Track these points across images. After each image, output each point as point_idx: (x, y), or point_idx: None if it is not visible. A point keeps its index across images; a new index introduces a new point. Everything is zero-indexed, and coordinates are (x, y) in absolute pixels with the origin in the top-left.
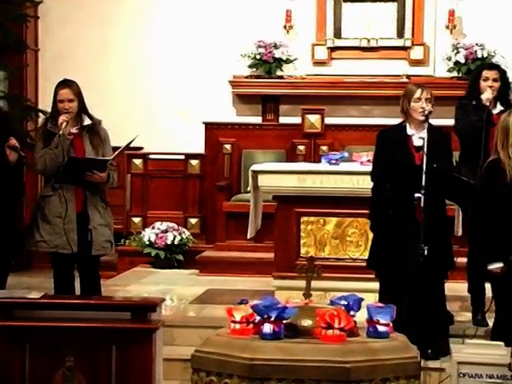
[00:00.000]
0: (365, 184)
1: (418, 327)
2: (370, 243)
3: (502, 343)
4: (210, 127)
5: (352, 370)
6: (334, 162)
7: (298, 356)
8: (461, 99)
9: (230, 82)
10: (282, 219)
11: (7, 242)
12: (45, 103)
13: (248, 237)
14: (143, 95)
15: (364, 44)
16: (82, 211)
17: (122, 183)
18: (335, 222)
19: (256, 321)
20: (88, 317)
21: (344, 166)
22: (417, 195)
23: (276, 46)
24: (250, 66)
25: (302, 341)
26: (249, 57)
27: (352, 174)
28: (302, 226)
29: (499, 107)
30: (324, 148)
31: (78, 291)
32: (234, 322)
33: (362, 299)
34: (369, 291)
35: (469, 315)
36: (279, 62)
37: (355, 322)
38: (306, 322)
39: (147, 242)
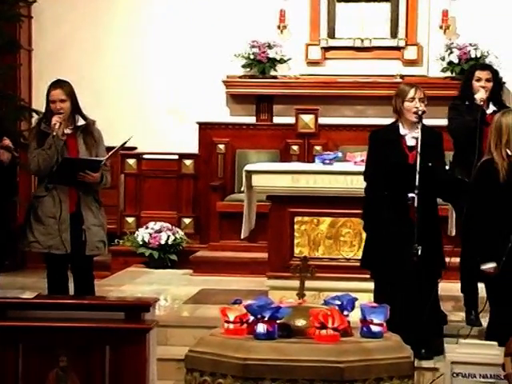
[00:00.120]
0: (358, 184)
1: (412, 327)
2: (363, 243)
3: (495, 343)
4: (204, 127)
5: (346, 369)
6: (327, 161)
7: (291, 356)
8: (454, 99)
9: (223, 81)
10: (275, 219)
11: (0, 242)
12: (38, 103)
13: (242, 237)
14: (137, 95)
15: (358, 44)
16: (75, 211)
17: (115, 183)
18: (329, 222)
19: (250, 321)
20: (82, 317)
21: (338, 166)
22: (410, 195)
23: (270, 46)
24: (244, 66)
25: (295, 341)
26: (243, 57)
27: (346, 173)
28: (296, 226)
29: (492, 107)
30: (318, 148)
31: (71, 291)
32: (228, 321)
33: (355, 299)
34: (363, 291)
35: (462, 315)
36: (273, 62)
37: (349, 322)
38: (300, 322)
39: (141, 242)
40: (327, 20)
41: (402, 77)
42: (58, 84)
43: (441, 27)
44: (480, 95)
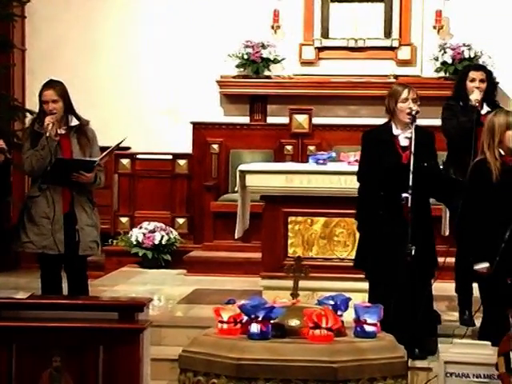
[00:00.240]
0: (352, 184)
1: (406, 327)
2: (357, 243)
3: (488, 343)
4: (198, 127)
5: (339, 369)
6: (321, 161)
7: (285, 356)
8: (448, 100)
9: (217, 81)
10: (269, 219)
11: None
12: (32, 103)
13: (236, 237)
14: (131, 95)
15: (351, 44)
16: (69, 211)
17: (109, 183)
18: (323, 222)
19: (243, 321)
20: (75, 317)
21: (331, 166)
22: (404, 195)
23: (264, 46)
24: (238, 66)
25: (289, 341)
26: (236, 57)
27: (340, 173)
28: (290, 226)
29: (486, 108)
30: (311, 148)
31: (65, 291)
32: (222, 321)
33: (349, 299)
34: (356, 291)
35: (456, 315)
36: (267, 62)
37: (342, 322)
38: (294, 322)
39: (135, 242)
40: (321, 20)
41: (395, 77)
42: (50, 84)
43: (434, 27)
44: (475, 96)
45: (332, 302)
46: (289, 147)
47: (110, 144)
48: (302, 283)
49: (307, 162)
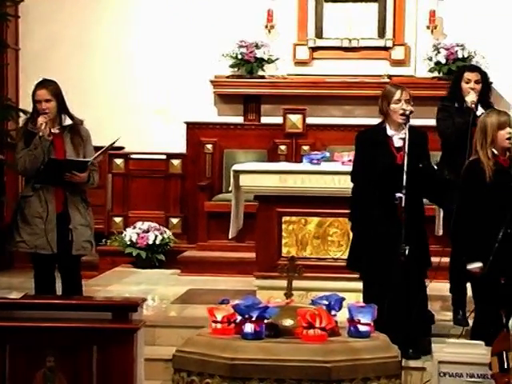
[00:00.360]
0: (346, 184)
1: (399, 327)
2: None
3: (482, 343)
4: (192, 127)
5: (333, 369)
6: (315, 161)
7: (279, 356)
8: (443, 100)
9: (211, 81)
10: (263, 219)
11: None
12: (25, 103)
13: (229, 237)
14: (125, 95)
15: (345, 44)
16: (62, 211)
17: (103, 183)
18: (316, 222)
19: (237, 321)
20: (69, 317)
21: (325, 166)
22: (398, 195)
23: (257, 46)
24: (232, 66)
25: (283, 340)
26: (230, 56)
27: (333, 173)
28: (284, 226)
29: (481, 109)
30: (305, 148)
31: (59, 291)
32: (216, 321)
33: (343, 299)
34: (350, 291)
35: (450, 314)
36: (261, 62)
37: (336, 322)
38: (288, 322)
39: (128, 242)
40: (315, 20)
41: (389, 77)
42: (43, 84)
43: (428, 27)
44: (471, 98)
45: (326, 302)
46: (283, 147)
47: (103, 144)
48: (296, 283)
49: (301, 161)
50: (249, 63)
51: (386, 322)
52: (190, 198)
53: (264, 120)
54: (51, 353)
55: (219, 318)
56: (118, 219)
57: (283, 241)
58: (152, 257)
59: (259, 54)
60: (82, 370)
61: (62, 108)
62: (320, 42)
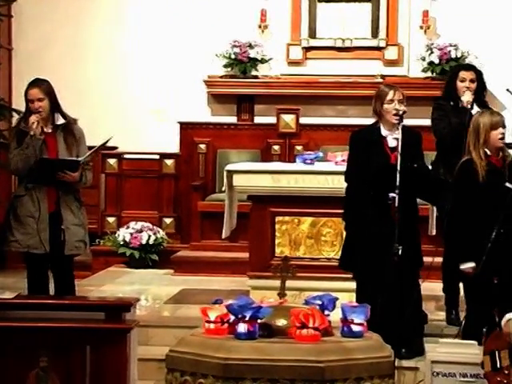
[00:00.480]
0: (339, 184)
1: (393, 326)
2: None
3: (475, 342)
4: (185, 127)
5: (326, 369)
6: (308, 161)
7: (272, 356)
8: (438, 99)
9: (204, 81)
10: (256, 219)
11: None
12: (18, 103)
13: (223, 236)
14: (118, 95)
15: (339, 44)
16: (55, 211)
17: (96, 183)
18: (310, 222)
19: (231, 320)
20: (62, 317)
21: (319, 166)
22: (391, 195)
23: (251, 46)
24: (225, 66)
25: (276, 340)
26: (224, 56)
27: (327, 173)
28: (277, 226)
29: (476, 108)
30: (299, 148)
31: (52, 291)
32: (209, 321)
33: (336, 299)
34: (343, 291)
35: (443, 314)
36: (254, 62)
37: (330, 322)
38: (281, 322)
39: (122, 242)
40: (308, 20)
41: (382, 77)
42: (35, 83)
43: (421, 27)
44: (467, 98)
45: (319, 302)
46: (276, 147)
47: (96, 143)
48: (289, 283)
49: (294, 161)
50: (242, 63)
51: (379, 321)
52: (184, 198)
53: (257, 120)
54: (44, 353)
55: (212, 317)
56: (111, 219)
57: (276, 241)
58: (145, 257)
59: (253, 53)
60: (75, 370)
61: (55, 107)
62: (313, 42)
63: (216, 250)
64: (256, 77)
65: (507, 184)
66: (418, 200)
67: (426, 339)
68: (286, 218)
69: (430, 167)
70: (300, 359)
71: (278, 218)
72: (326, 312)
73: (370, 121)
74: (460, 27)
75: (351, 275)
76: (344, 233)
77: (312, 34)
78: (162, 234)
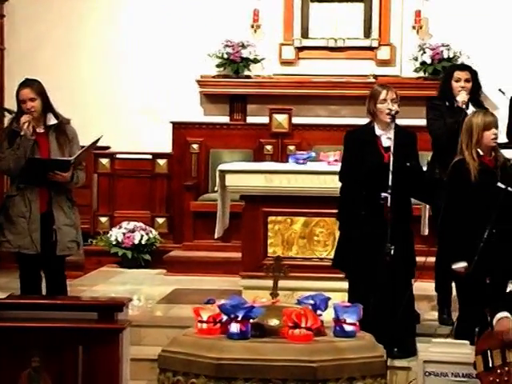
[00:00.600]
0: (332, 184)
1: (385, 326)
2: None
3: (467, 342)
4: (178, 127)
5: (318, 369)
6: (301, 161)
7: (264, 355)
8: (433, 99)
9: (197, 81)
10: (249, 219)
11: None
12: (10, 103)
13: (215, 236)
14: (111, 95)
15: (331, 44)
16: (46, 211)
17: (88, 183)
18: (302, 222)
19: (223, 320)
20: (54, 317)
21: (311, 166)
22: (384, 195)
23: (243, 46)
24: (218, 66)
25: (268, 340)
26: (216, 56)
27: (319, 173)
28: (270, 226)
29: (472, 108)
30: (291, 148)
31: (44, 291)
32: (201, 321)
33: (328, 298)
34: (336, 291)
35: (435, 314)
36: (247, 62)
37: (322, 322)
38: (273, 322)
39: (114, 242)
40: (301, 20)
41: (375, 77)
42: (27, 83)
43: (414, 27)
44: (462, 98)
45: (311, 302)
46: (268, 147)
47: (88, 143)
48: (282, 283)
49: (287, 161)
50: (235, 63)
51: (371, 321)
52: (176, 198)
53: (250, 120)
54: (36, 353)
55: (205, 317)
56: (103, 219)
57: (269, 241)
58: (138, 257)
59: (245, 53)
60: (68, 370)
61: (47, 107)
62: (306, 42)
63: (208, 250)
64: (248, 77)
65: (499, 184)
66: (413, 200)
67: (419, 339)
68: (279, 218)
69: (425, 167)
70: (292, 359)
71: (270, 218)
72: (319, 312)
73: (362, 121)
74: (452, 27)
75: (343, 275)
76: (337, 233)
77: (304, 33)
78: (154, 233)
